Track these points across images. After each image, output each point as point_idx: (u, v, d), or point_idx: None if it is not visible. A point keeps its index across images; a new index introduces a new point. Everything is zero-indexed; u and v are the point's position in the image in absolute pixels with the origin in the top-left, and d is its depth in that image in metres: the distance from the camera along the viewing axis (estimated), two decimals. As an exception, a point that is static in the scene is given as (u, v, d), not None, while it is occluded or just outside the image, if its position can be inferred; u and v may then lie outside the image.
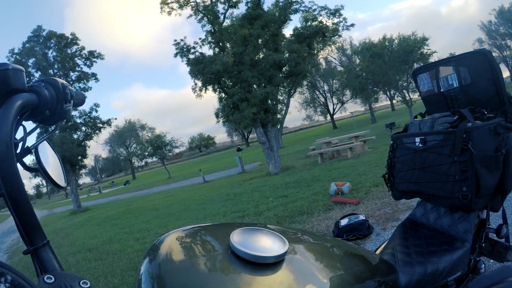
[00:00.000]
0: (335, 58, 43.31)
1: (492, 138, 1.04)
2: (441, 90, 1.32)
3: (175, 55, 13.13)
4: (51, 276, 0.42)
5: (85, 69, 17.10)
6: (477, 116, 1.13)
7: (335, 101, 48.90)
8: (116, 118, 19.61)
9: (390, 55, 21.74)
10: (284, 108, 15.14)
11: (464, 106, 1.23)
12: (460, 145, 1.02)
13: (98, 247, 5.90)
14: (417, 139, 1.16)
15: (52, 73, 16.03)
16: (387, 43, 22.33)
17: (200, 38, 13.24)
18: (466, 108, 1.15)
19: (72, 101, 0.61)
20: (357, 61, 27.87)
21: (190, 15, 13.31)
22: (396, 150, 1.26)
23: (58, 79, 0.58)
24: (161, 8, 13.39)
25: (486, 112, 1.14)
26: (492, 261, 1.76)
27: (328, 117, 52.67)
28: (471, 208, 1.05)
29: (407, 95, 22.87)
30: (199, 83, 13.06)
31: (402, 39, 22.23)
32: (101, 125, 17.56)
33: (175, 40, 13.03)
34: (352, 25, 15.90)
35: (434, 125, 1.17)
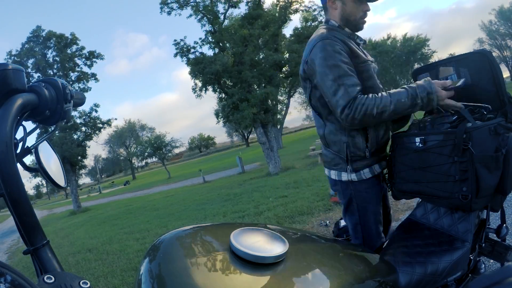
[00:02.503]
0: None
1: (492, 138, 1.04)
2: None
3: (175, 55, 13.13)
4: (51, 276, 0.42)
5: (85, 69, 17.14)
6: (477, 117, 1.13)
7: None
8: (116, 119, 19.62)
9: (393, 55, 21.81)
10: (284, 108, 15.12)
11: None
12: (461, 146, 1.02)
13: (98, 247, 5.90)
14: (417, 139, 1.15)
15: (51, 73, 16.03)
16: (389, 43, 22.40)
17: (200, 38, 13.25)
18: (466, 109, 1.15)
19: (72, 101, 0.61)
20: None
21: (190, 15, 13.32)
22: (396, 150, 1.26)
23: (58, 79, 0.58)
24: (161, 8, 13.40)
25: (486, 112, 1.14)
26: (492, 261, 1.76)
27: (328, 117, 52.53)
28: (471, 208, 1.05)
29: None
30: (199, 83, 13.07)
31: (405, 40, 22.32)
32: (101, 125, 17.58)
33: (175, 40, 13.04)
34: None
35: (434, 125, 1.17)
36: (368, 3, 1.40)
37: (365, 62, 1.33)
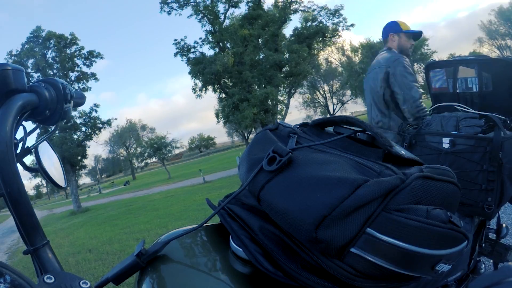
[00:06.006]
0: (335, 59, 43.37)
1: None
2: (457, 91, 1.25)
3: (175, 54, 13.14)
4: (51, 276, 0.42)
5: (85, 69, 17.16)
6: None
7: (335, 101, 48.89)
8: (116, 119, 19.60)
9: None
10: (285, 109, 15.16)
11: (478, 110, 1.17)
12: (498, 155, 0.96)
13: (98, 247, 5.90)
14: (446, 140, 1.06)
15: (51, 73, 16.05)
16: None
17: (200, 38, 13.27)
18: (493, 114, 1.08)
19: (72, 101, 0.61)
20: (357, 59, 27.87)
21: (191, 15, 13.33)
22: (414, 147, 1.16)
23: (58, 79, 0.58)
24: (161, 8, 13.40)
25: (509, 121, 1.08)
26: (492, 261, 1.76)
27: (328, 117, 52.53)
28: (491, 217, 1.03)
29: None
30: (199, 83, 13.07)
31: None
32: (101, 125, 17.59)
33: (175, 40, 13.06)
34: (352, 25, 15.91)
35: (459, 125, 1.09)
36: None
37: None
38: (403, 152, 0.51)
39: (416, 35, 2.37)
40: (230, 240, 0.56)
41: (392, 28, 2.37)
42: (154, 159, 42.59)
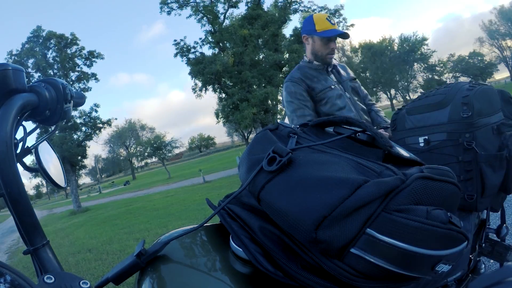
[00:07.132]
0: (335, 59, 43.24)
1: (495, 137, 1.03)
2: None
3: (175, 55, 13.14)
4: (51, 276, 0.42)
5: (85, 69, 17.16)
6: None
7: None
8: (116, 118, 19.64)
9: (391, 55, 21.94)
10: (284, 109, 15.23)
11: None
12: (471, 145, 1.00)
13: (98, 247, 5.90)
14: (421, 139, 1.12)
15: (51, 73, 16.04)
16: (387, 43, 22.50)
17: (200, 38, 13.27)
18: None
19: (72, 101, 0.61)
20: (357, 60, 27.86)
21: (190, 15, 13.33)
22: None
23: (58, 79, 0.58)
24: (161, 8, 13.40)
25: None
26: (492, 261, 1.76)
27: (328, 117, 52.58)
28: (477, 208, 1.04)
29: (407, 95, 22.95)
30: (199, 83, 13.08)
31: (402, 40, 22.39)
32: (101, 125, 17.58)
33: (175, 40, 13.06)
34: (352, 25, 15.92)
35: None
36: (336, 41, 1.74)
37: (321, 91, 1.70)
38: (403, 153, 0.51)
39: (341, 36, 1.72)
40: (230, 240, 0.56)
41: (305, 27, 1.75)
42: (154, 159, 42.61)
